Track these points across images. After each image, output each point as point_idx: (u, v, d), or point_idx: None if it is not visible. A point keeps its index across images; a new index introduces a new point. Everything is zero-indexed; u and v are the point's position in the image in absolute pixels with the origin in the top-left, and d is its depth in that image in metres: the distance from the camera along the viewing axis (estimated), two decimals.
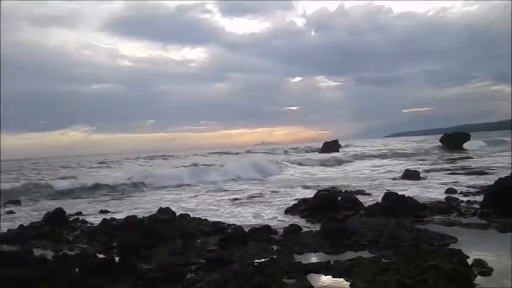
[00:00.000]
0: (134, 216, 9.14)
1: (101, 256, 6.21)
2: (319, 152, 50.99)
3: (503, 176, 9.83)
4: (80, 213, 11.84)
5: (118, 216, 10.09)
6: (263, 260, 5.84)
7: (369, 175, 20.31)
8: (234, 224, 8.94)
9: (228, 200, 13.45)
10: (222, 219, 9.56)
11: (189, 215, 9.55)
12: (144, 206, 13.12)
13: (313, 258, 5.98)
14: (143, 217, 9.02)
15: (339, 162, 31.46)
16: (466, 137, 43.20)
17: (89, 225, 9.78)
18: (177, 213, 9.60)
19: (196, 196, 15.01)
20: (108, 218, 9.55)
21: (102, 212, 12.23)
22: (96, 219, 10.27)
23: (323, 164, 30.00)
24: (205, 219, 9.30)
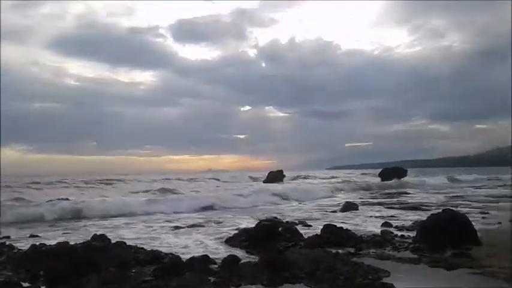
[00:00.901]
0: (66, 243, 8.71)
1: (26, 285, 5.84)
2: (264, 182, 51.38)
3: (435, 212, 10.34)
4: (7, 237, 11.14)
5: (49, 242, 9.55)
6: None
7: (311, 206, 20.63)
8: (171, 253, 8.71)
9: (169, 228, 13.15)
10: (160, 248, 9.31)
11: (125, 243, 9.22)
12: (82, 232, 12.51)
13: None
14: (76, 244, 8.62)
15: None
16: (403, 173, 45.17)
17: (16, 250, 9.19)
18: (114, 241, 9.26)
19: (137, 224, 14.52)
20: (37, 243, 9.03)
21: (32, 236, 11.56)
22: (25, 245, 9.67)
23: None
24: (142, 248, 9.01)
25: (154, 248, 9.16)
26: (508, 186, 34.84)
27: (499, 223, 12.24)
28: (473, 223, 9.85)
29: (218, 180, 56.85)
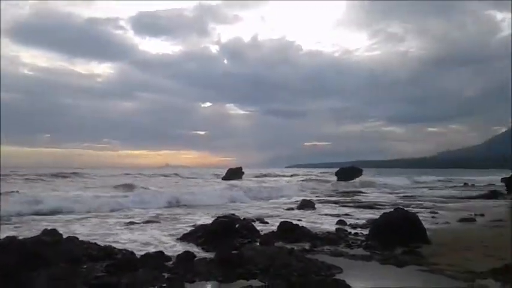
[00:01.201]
0: (14, 237, 8.36)
1: None
2: (223, 179, 51.31)
3: (387, 211, 10.66)
4: None
5: None
6: None
7: (268, 203, 20.80)
8: (125, 249, 8.55)
9: (124, 223, 12.89)
10: (114, 244, 9.11)
11: (77, 238, 8.96)
12: (33, 227, 12.01)
13: (204, 287, 5.91)
14: (25, 238, 8.30)
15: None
16: (358, 172, 46.28)
17: None
18: (65, 236, 8.98)
19: (91, 219, 14.13)
20: None
21: None
22: None
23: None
24: (95, 243, 8.79)
25: (108, 244, 8.97)
26: (457, 188, 36.36)
27: (448, 223, 12.76)
28: (423, 222, 10.23)
29: (178, 176, 56.34)
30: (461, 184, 42.05)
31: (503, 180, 28.22)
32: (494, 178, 47.36)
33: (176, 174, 57.77)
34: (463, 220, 13.07)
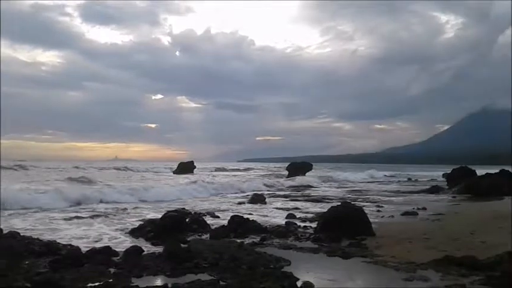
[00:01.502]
0: None
1: None
2: (174, 173, 50.70)
3: (335, 205, 10.92)
4: None
5: None
6: (97, 283, 5.52)
7: (220, 198, 20.77)
8: (70, 245, 8.28)
9: (70, 218, 12.45)
10: (59, 240, 8.79)
11: (19, 233, 8.58)
12: None
13: (152, 282, 5.82)
14: None
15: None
16: (309, 167, 47.08)
17: None
18: (6, 232, 8.58)
19: (33, 214, 13.52)
20: None
21: None
22: None
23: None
24: (38, 239, 8.45)
25: (52, 240, 8.65)
26: (402, 183, 37.82)
27: (392, 216, 13.24)
28: (368, 216, 10.57)
29: (129, 169, 54.94)
30: (406, 179, 43.81)
31: (444, 175, 29.61)
32: (436, 174, 49.68)
33: (126, 168, 56.27)
34: (406, 214, 13.60)
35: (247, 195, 20.76)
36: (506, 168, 23.73)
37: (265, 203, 17.48)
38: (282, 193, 24.00)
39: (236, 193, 24.06)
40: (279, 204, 17.28)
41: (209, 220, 11.87)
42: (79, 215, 13.20)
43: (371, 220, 10.43)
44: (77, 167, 53.15)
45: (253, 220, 10.62)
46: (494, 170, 23.17)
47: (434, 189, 24.15)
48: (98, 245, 8.35)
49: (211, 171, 58.86)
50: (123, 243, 8.97)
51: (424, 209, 14.79)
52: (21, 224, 11.17)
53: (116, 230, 10.70)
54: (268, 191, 25.81)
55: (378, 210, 14.81)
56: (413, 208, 14.69)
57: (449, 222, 11.64)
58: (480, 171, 24.58)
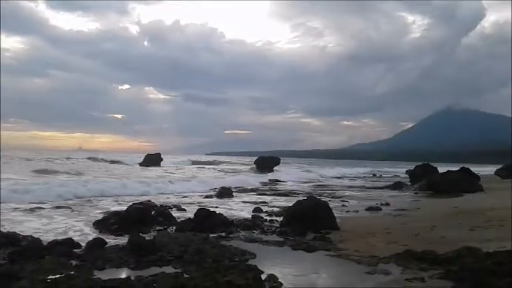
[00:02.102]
0: None
1: None
2: (140, 165, 49.96)
3: (301, 199, 11.04)
4: None
5: None
6: (58, 275, 5.38)
7: (187, 191, 20.57)
8: (31, 236, 8.04)
9: (31, 209, 12.09)
10: (18, 231, 8.52)
11: None
12: None
13: (115, 274, 5.74)
14: None
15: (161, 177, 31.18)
16: (277, 161, 47.44)
17: None
18: None
19: None
20: None
21: None
22: None
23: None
24: None
25: (11, 231, 8.37)
26: (367, 178, 38.59)
27: (356, 211, 13.49)
28: (334, 210, 10.74)
29: (94, 160, 53.53)
30: (371, 175, 44.71)
31: (407, 172, 30.35)
32: (399, 170, 50.88)
33: (92, 159, 54.70)
34: (370, 209, 13.89)
35: (215, 188, 20.65)
36: (467, 166, 24.56)
37: (232, 197, 17.49)
38: (249, 187, 24.03)
39: (202, 185, 23.85)
40: (246, 198, 17.30)
41: (175, 213, 11.78)
42: (40, 206, 12.83)
43: (336, 215, 10.61)
44: (46, 158, 50.91)
45: (219, 213, 10.60)
46: (455, 168, 23.94)
47: (398, 185, 24.73)
48: (59, 237, 8.18)
49: (179, 164, 58.26)
50: (86, 235, 8.80)
51: (388, 204, 15.13)
52: None
53: (78, 222, 10.48)
54: (235, 184, 25.79)
55: (343, 205, 15.06)
56: (377, 204, 15.00)
57: (411, 217, 11.95)
58: (442, 169, 25.32)
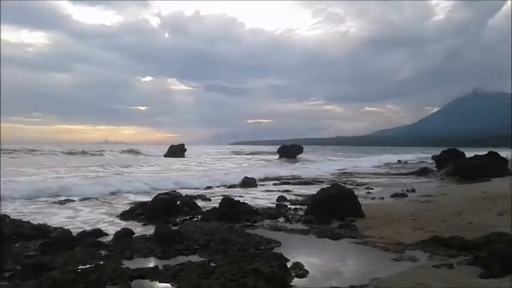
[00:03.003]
0: None
1: None
2: (164, 156, 50.55)
3: (325, 187, 10.99)
4: None
5: None
6: (88, 266, 5.52)
7: (212, 181, 20.66)
8: (61, 228, 8.26)
9: (59, 202, 12.36)
10: (49, 223, 8.76)
11: (8, 217, 8.55)
12: None
13: (143, 264, 5.85)
14: None
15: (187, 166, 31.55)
16: (299, 150, 47.34)
17: None
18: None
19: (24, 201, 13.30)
20: None
21: None
22: None
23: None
24: (28, 222, 8.41)
25: (42, 223, 8.62)
26: (392, 165, 38.12)
27: (381, 198, 13.37)
28: (358, 197, 10.66)
29: (133, 152, 54.11)
30: (396, 161, 44.11)
31: (433, 157, 29.86)
32: (425, 156, 50.05)
33: (129, 151, 55.13)
34: (395, 195, 13.73)
35: (239, 177, 20.70)
36: (495, 150, 23.99)
37: (256, 186, 17.55)
38: (272, 176, 24.02)
39: (226, 175, 23.94)
40: (269, 187, 17.34)
41: (200, 203, 11.88)
42: (70, 198, 13.10)
43: (361, 202, 10.53)
44: (72, 152, 51.69)
45: (244, 202, 10.66)
46: (483, 152, 23.42)
47: (423, 172, 24.36)
48: (88, 228, 8.37)
49: (202, 155, 58.62)
50: (113, 226, 8.98)
51: (413, 190, 14.93)
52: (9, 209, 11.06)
53: (106, 213, 10.68)
54: (259, 174, 25.82)
55: (368, 192, 14.94)
56: (403, 190, 14.82)
57: (437, 203, 11.77)
58: (469, 154, 24.80)
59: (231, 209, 9.83)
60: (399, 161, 44.11)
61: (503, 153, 25.16)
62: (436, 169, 25.18)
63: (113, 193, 14.42)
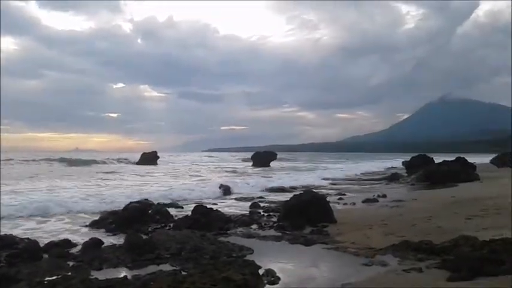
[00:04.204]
0: None
1: None
2: (137, 164, 49.83)
3: (297, 193, 11.04)
4: None
5: None
6: (55, 277, 5.37)
7: (186, 187, 20.49)
8: (28, 238, 8.01)
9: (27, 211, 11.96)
10: (15, 233, 8.48)
11: None
12: None
13: (112, 274, 5.72)
14: None
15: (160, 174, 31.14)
16: (273, 156, 47.49)
17: None
18: None
19: None
20: None
21: None
22: None
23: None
24: None
25: (8, 233, 8.33)
26: (364, 171, 38.58)
27: (353, 203, 13.52)
28: (331, 203, 10.75)
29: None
30: (367, 167, 44.67)
31: (404, 163, 30.39)
32: (396, 162, 50.93)
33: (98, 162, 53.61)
34: (367, 201, 13.91)
35: (215, 185, 20.57)
36: (463, 155, 24.61)
37: (230, 194, 17.47)
38: (246, 183, 23.94)
39: (200, 182, 23.81)
40: (243, 195, 17.29)
41: (173, 211, 11.75)
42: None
43: (333, 208, 10.61)
44: (34, 160, 50.10)
45: (217, 210, 10.60)
46: (451, 158, 23.98)
47: (394, 177, 24.78)
48: (55, 238, 8.15)
49: (174, 162, 57.91)
50: (82, 236, 8.77)
51: (384, 196, 15.16)
52: None
53: (76, 223, 10.43)
54: (232, 181, 25.72)
55: (340, 198, 15.08)
56: (374, 196, 15.03)
57: (407, 208, 11.97)
58: (438, 159, 25.35)
59: (203, 216, 9.75)
60: (371, 167, 44.67)
61: (471, 158, 25.83)
62: (406, 175, 25.64)
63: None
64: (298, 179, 25.44)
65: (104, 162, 50.64)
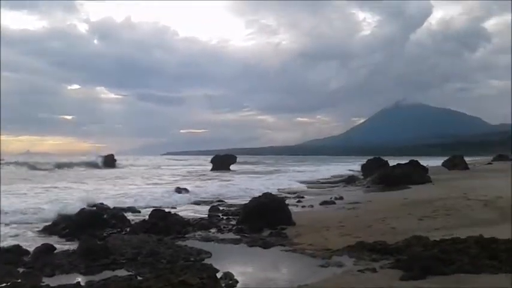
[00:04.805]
0: None
1: None
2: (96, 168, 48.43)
3: (257, 196, 11.07)
4: None
5: None
6: (4, 284, 5.15)
7: (143, 192, 20.13)
8: None
9: None
10: None
11: None
12: None
13: (65, 280, 5.55)
14: None
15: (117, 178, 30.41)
16: (233, 160, 47.44)
17: None
18: None
19: None
20: None
21: None
22: None
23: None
24: None
25: None
26: (322, 174, 39.17)
27: (311, 206, 13.69)
28: (289, 206, 10.86)
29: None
30: (325, 170, 45.38)
31: (361, 166, 31.08)
32: (353, 165, 51.99)
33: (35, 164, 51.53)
34: (324, 203, 14.13)
35: (172, 188, 20.31)
36: (416, 158, 25.42)
37: (189, 197, 17.25)
38: (206, 186, 23.81)
39: (158, 186, 23.48)
40: (203, 198, 17.14)
41: (130, 215, 11.51)
42: None
43: (291, 210, 10.71)
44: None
45: (175, 214, 10.47)
46: (405, 161, 24.72)
47: (351, 180, 25.29)
48: (5, 244, 7.80)
49: (133, 166, 56.72)
50: (34, 241, 8.44)
51: (341, 198, 15.44)
52: None
53: (27, 228, 10.03)
54: (191, 184, 25.50)
55: (299, 201, 15.24)
56: (331, 198, 15.29)
57: (363, 210, 12.25)
58: (393, 162, 26.05)
59: (161, 220, 9.61)
60: (329, 170, 45.39)
61: (424, 161, 26.72)
62: (362, 177, 26.22)
63: None
64: (255, 183, 25.56)
65: (59, 166, 48.85)
